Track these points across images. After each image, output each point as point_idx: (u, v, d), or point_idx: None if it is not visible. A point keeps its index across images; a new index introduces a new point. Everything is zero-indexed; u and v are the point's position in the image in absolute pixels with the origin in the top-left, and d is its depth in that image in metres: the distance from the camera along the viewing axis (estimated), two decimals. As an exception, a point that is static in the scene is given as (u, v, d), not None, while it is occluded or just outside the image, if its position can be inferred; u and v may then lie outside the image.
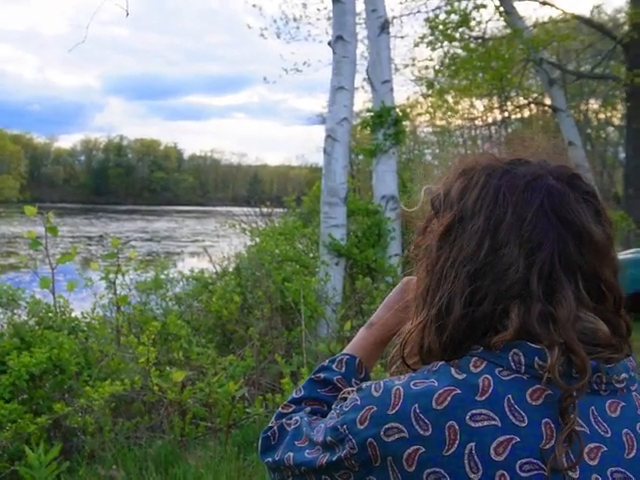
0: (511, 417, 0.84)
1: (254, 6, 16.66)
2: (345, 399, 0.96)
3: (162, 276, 7.48)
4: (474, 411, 0.84)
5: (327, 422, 0.96)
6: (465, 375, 0.88)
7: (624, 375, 0.92)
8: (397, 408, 0.87)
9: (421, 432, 0.84)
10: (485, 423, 0.83)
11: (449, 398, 0.85)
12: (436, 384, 0.88)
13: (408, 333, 1.03)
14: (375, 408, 0.89)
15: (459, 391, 0.86)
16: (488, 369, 0.88)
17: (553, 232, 0.91)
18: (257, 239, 8.91)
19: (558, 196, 0.93)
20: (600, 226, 0.94)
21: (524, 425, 0.83)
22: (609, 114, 31.93)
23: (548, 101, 17.48)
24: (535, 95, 21.54)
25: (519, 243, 0.91)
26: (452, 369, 0.90)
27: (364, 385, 0.94)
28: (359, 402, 0.92)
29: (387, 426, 0.86)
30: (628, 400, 0.92)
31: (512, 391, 0.86)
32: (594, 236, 0.92)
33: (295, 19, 16.51)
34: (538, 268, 0.90)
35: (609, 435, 0.87)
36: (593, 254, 0.92)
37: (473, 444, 0.82)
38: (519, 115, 29.10)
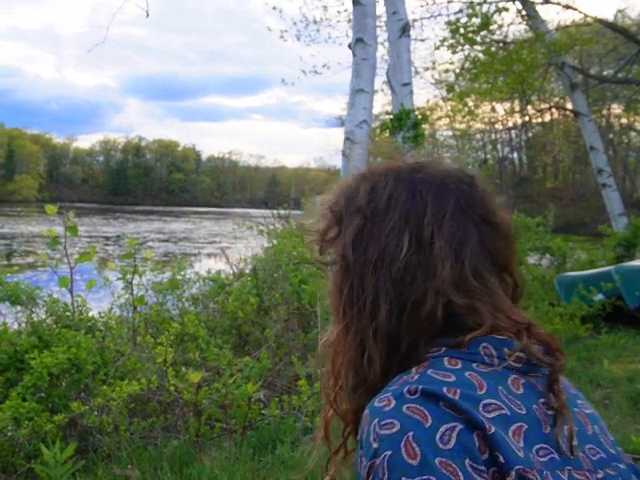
0: (512, 406, 0.84)
1: (274, 8, 16.61)
2: None
3: (179, 277, 7.48)
4: (485, 401, 0.83)
5: None
6: (454, 376, 0.86)
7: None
8: (430, 420, 0.80)
9: (461, 416, 0.80)
10: (497, 413, 0.83)
11: (458, 392, 0.83)
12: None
13: (336, 350, 1.00)
14: (411, 432, 0.80)
15: (462, 390, 0.84)
16: (466, 366, 0.88)
17: (472, 226, 0.94)
18: (274, 241, 8.90)
19: (469, 193, 0.97)
20: (507, 218, 0.99)
21: (524, 413, 0.85)
22: (632, 119, 31.67)
23: (570, 105, 17.37)
24: (557, 99, 21.42)
25: (443, 238, 0.92)
26: (434, 375, 0.86)
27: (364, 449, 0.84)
28: (389, 452, 0.80)
29: (438, 436, 0.79)
30: (562, 382, 0.94)
31: (499, 383, 0.86)
32: (504, 228, 0.97)
33: (315, 21, 16.50)
34: (468, 263, 0.92)
35: (571, 416, 0.90)
36: (505, 246, 0.96)
37: (500, 430, 0.81)
38: (540, 119, 28.97)
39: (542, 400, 0.88)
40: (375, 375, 0.95)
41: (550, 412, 0.87)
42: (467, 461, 0.77)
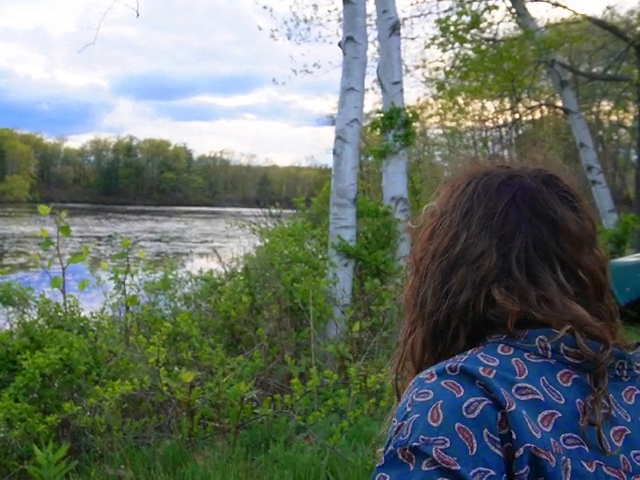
0: (550, 395, 0.87)
1: (265, 7, 16.58)
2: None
3: (171, 276, 7.47)
4: (519, 384, 0.86)
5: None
6: (498, 361, 0.90)
7: None
8: (463, 391, 0.86)
9: (489, 394, 0.85)
10: (530, 397, 0.86)
11: (493, 372, 0.87)
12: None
13: (401, 337, 1.08)
14: (441, 401, 0.86)
15: (499, 371, 0.88)
16: (517, 354, 0.91)
17: (526, 223, 0.96)
18: (266, 240, 8.90)
19: (531, 191, 0.99)
20: (576, 217, 0.98)
21: (562, 403, 0.87)
22: (621, 116, 31.81)
23: (560, 103, 17.44)
24: (547, 97, 21.47)
25: (490, 232, 0.97)
26: (480, 358, 0.91)
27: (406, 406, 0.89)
28: (417, 415, 0.86)
29: (466, 404, 0.84)
30: None
31: (544, 373, 0.89)
32: (568, 225, 0.96)
33: (306, 20, 16.49)
34: (515, 256, 0.95)
35: (629, 420, 0.91)
36: (569, 243, 0.96)
37: (525, 412, 0.84)
38: (530, 117, 29.05)
39: (592, 397, 0.88)
40: (420, 359, 1.03)
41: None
42: (485, 431, 0.82)
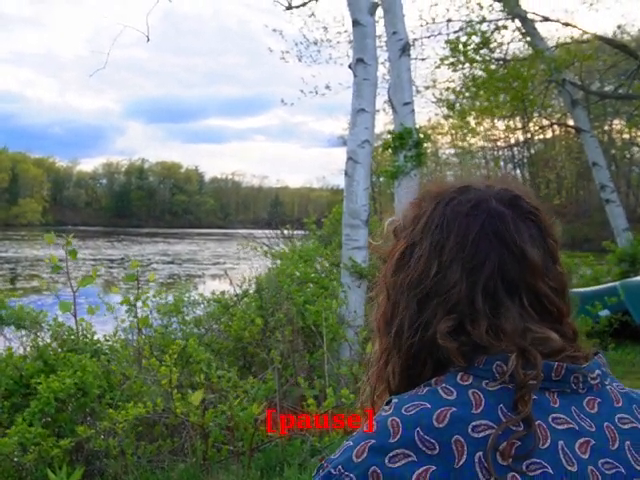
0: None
1: (274, 30, 16.71)
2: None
3: (184, 298, 7.47)
4: (474, 423, 0.87)
5: None
6: (455, 393, 0.91)
7: (597, 372, 0.97)
8: (399, 435, 0.87)
9: (429, 452, 0.85)
10: (487, 432, 0.86)
11: (448, 415, 0.87)
12: (429, 406, 0.89)
13: (374, 360, 1.09)
14: (374, 441, 0.88)
15: (455, 409, 0.88)
16: (475, 382, 0.92)
17: (494, 252, 0.97)
18: (278, 261, 8.90)
19: (498, 218, 0.99)
20: (537, 247, 0.99)
21: (521, 429, 0.87)
22: (633, 134, 31.77)
23: (571, 122, 17.43)
24: (558, 116, 21.47)
25: (462, 264, 0.97)
26: (440, 391, 0.92)
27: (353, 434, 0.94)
28: (351, 443, 0.90)
29: (392, 454, 0.86)
30: (603, 395, 0.97)
31: (502, 400, 0.90)
32: (529, 256, 0.97)
33: (316, 42, 16.59)
34: (482, 287, 0.96)
35: (594, 430, 0.92)
36: (530, 273, 0.97)
37: (480, 453, 0.85)
38: (542, 136, 29.07)
39: (553, 415, 0.90)
40: (396, 387, 1.03)
41: (559, 427, 0.89)
42: None
